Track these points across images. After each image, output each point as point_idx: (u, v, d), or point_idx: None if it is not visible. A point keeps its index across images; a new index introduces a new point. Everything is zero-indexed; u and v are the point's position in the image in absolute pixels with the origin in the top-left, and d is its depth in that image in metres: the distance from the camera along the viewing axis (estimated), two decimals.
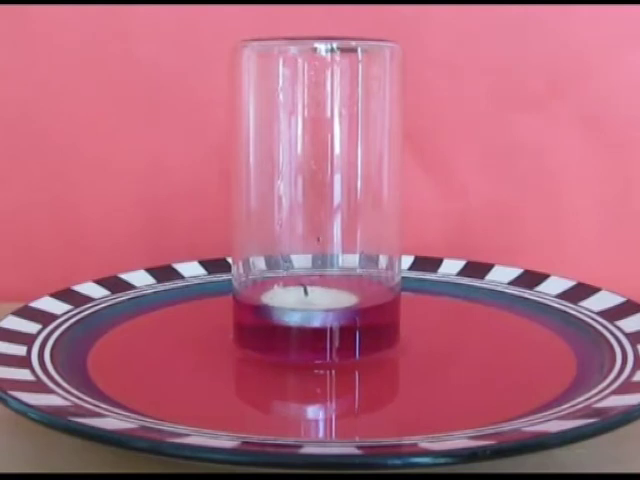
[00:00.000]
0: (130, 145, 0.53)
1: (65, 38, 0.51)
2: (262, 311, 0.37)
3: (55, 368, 0.34)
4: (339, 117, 0.36)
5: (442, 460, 0.25)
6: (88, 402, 0.30)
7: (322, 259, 0.38)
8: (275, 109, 0.36)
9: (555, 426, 0.27)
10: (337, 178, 0.36)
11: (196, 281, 0.46)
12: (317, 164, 0.36)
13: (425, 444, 0.26)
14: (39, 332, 0.37)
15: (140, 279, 0.45)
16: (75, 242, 0.53)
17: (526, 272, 0.45)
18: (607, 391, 0.31)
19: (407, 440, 0.27)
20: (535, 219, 0.53)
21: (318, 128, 0.36)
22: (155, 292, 0.44)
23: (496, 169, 0.53)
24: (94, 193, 0.53)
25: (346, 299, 0.37)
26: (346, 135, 0.36)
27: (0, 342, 0.35)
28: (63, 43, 0.51)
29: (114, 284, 0.43)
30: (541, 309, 0.41)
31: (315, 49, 0.35)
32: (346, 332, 0.36)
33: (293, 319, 0.36)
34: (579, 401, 0.30)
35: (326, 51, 0.35)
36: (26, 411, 0.28)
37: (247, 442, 0.27)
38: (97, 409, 0.29)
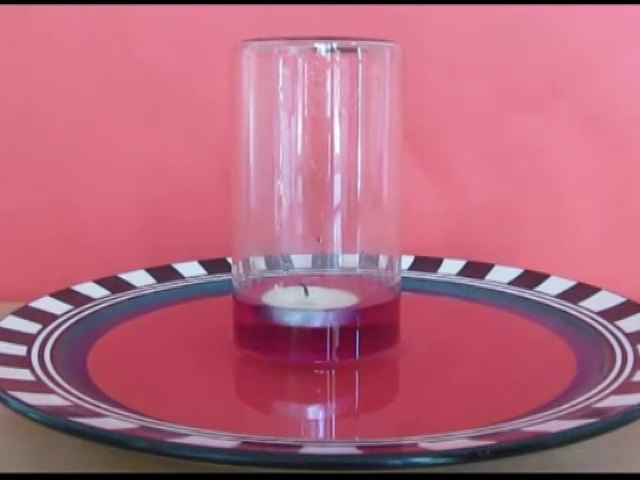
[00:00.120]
0: (130, 145, 0.53)
1: (65, 38, 0.51)
2: (262, 311, 0.37)
3: (55, 368, 0.34)
4: (339, 117, 0.36)
5: (442, 460, 0.25)
6: (88, 402, 0.30)
7: (322, 259, 0.38)
8: (275, 109, 0.36)
9: (555, 426, 0.27)
10: (337, 178, 0.36)
11: (196, 281, 0.46)
12: (317, 164, 0.36)
13: (425, 444, 0.26)
14: (39, 332, 0.37)
15: (140, 279, 0.45)
16: (75, 242, 0.53)
17: (526, 272, 0.45)
18: (607, 391, 0.31)
19: (407, 440, 0.27)
20: (535, 219, 0.53)
21: (318, 128, 0.36)
22: (155, 292, 0.44)
23: (496, 169, 0.53)
24: (94, 193, 0.53)
25: (346, 299, 0.37)
26: (346, 135, 0.36)
27: (0, 342, 0.35)
28: (63, 43, 0.51)
29: (114, 284, 0.43)
30: (541, 309, 0.41)
31: (315, 49, 0.35)
32: (346, 332, 0.36)
33: (293, 319, 0.36)
34: (579, 401, 0.30)
35: (326, 51, 0.35)
36: (26, 411, 0.28)
37: (247, 442, 0.27)
38: (97, 409, 0.29)
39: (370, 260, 0.39)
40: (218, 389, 0.35)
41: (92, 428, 0.27)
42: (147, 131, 0.53)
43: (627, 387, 0.31)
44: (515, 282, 0.44)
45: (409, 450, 0.26)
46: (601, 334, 0.37)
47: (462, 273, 0.46)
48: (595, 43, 0.51)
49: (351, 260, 0.38)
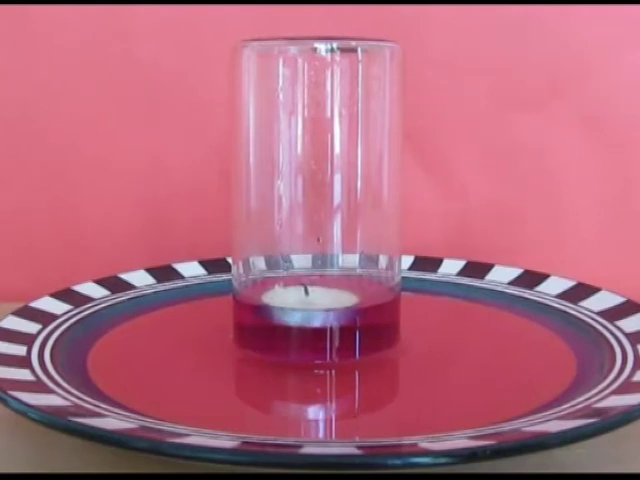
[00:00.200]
0: (130, 145, 0.53)
1: (65, 38, 0.51)
2: (262, 311, 0.37)
3: (55, 368, 0.34)
4: (339, 117, 0.36)
5: (442, 460, 0.25)
6: (88, 402, 0.30)
7: (322, 259, 0.38)
8: (275, 109, 0.36)
9: (555, 426, 0.27)
10: (337, 178, 0.36)
11: (196, 281, 0.46)
12: (317, 164, 0.36)
13: (425, 444, 0.26)
14: (39, 332, 0.37)
15: (140, 279, 0.45)
16: (75, 242, 0.53)
17: (526, 272, 0.45)
18: (607, 391, 0.31)
19: (407, 440, 0.27)
20: (535, 219, 0.53)
21: (318, 128, 0.36)
22: (155, 292, 0.44)
23: (496, 169, 0.53)
24: (94, 193, 0.53)
25: (346, 299, 0.37)
26: (346, 135, 0.36)
27: (0, 342, 0.35)
28: (63, 43, 0.51)
29: (114, 284, 0.43)
30: (541, 309, 0.41)
31: (315, 49, 0.35)
32: (346, 332, 0.36)
33: (293, 319, 0.36)
34: (579, 401, 0.30)
35: (326, 51, 0.35)
36: (26, 411, 0.28)
37: (247, 442, 0.27)
38: (97, 409, 0.29)
39: (370, 260, 0.39)
40: (218, 389, 0.35)
41: (92, 428, 0.27)
42: (147, 131, 0.53)
43: (627, 387, 0.31)
44: (515, 282, 0.44)
45: (409, 450, 0.26)
46: (601, 334, 0.37)
47: (462, 273, 0.46)
48: (595, 43, 0.51)
49: (351, 260, 0.38)
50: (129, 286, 0.44)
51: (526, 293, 0.43)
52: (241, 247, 0.39)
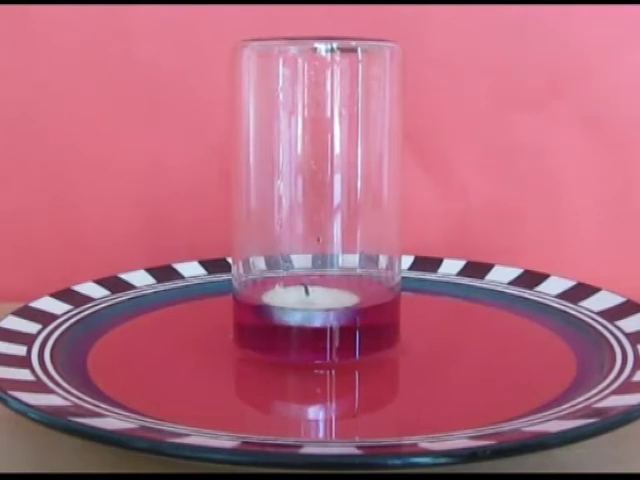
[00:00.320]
0: (130, 145, 0.53)
1: (65, 38, 0.51)
2: (262, 311, 0.37)
3: (55, 368, 0.34)
4: (339, 117, 0.36)
5: (442, 460, 0.25)
6: (88, 402, 0.30)
7: (322, 259, 0.38)
8: (275, 109, 0.36)
9: (555, 426, 0.27)
10: (337, 178, 0.36)
11: (196, 281, 0.46)
12: (317, 164, 0.36)
13: (425, 444, 0.26)
14: (39, 332, 0.37)
15: (140, 279, 0.45)
16: (75, 242, 0.53)
17: (526, 272, 0.45)
18: (607, 391, 0.31)
19: (407, 440, 0.27)
20: (535, 219, 0.53)
21: (318, 128, 0.36)
22: (155, 292, 0.44)
23: (496, 169, 0.53)
24: (94, 193, 0.53)
25: (347, 299, 0.37)
26: (346, 135, 0.36)
27: (0, 342, 0.35)
28: (63, 43, 0.51)
29: (114, 284, 0.43)
30: (541, 309, 0.41)
31: (315, 49, 0.35)
32: (346, 332, 0.36)
33: (294, 319, 0.36)
34: (579, 401, 0.30)
35: (326, 51, 0.35)
36: (26, 411, 0.28)
37: (247, 442, 0.27)
38: (97, 409, 0.29)
39: (370, 260, 0.39)
40: (218, 389, 0.35)
41: (92, 428, 0.27)
42: (147, 131, 0.53)
43: (627, 387, 0.31)
44: (515, 282, 0.44)
45: (409, 450, 0.26)
46: (601, 334, 0.37)
47: (462, 273, 0.46)
48: (595, 43, 0.51)
49: (351, 260, 0.38)
50: (129, 286, 0.44)
51: (526, 293, 0.43)
52: (241, 247, 0.39)
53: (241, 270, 0.38)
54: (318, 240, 0.37)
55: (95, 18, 0.51)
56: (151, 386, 0.34)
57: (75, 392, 0.31)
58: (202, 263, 0.47)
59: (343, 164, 0.36)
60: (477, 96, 0.52)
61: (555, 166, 0.53)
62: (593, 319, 0.39)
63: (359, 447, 0.27)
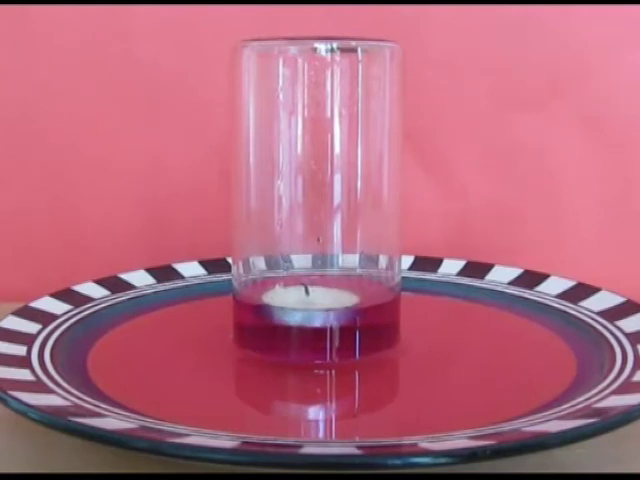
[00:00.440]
0: (130, 145, 0.53)
1: (65, 38, 0.51)
2: (262, 311, 0.37)
3: (55, 368, 0.34)
4: (339, 117, 0.36)
5: (442, 460, 0.25)
6: (88, 402, 0.30)
7: (322, 259, 0.38)
8: (275, 109, 0.36)
9: (555, 426, 0.27)
10: (337, 178, 0.36)
11: (196, 281, 0.46)
12: (317, 164, 0.36)
13: (425, 444, 0.26)
14: (39, 332, 0.37)
15: (140, 279, 0.45)
16: (75, 242, 0.53)
17: (526, 272, 0.45)
18: (607, 391, 0.31)
19: (407, 440, 0.27)
20: (535, 219, 0.53)
21: (318, 128, 0.36)
22: (155, 292, 0.44)
23: (496, 169, 0.53)
24: (94, 193, 0.53)
25: (347, 299, 0.37)
26: (346, 135, 0.36)
27: (0, 342, 0.35)
28: (63, 43, 0.51)
29: (114, 284, 0.43)
30: (541, 309, 0.41)
31: (315, 49, 0.35)
32: (346, 332, 0.36)
33: (294, 319, 0.36)
34: (579, 401, 0.30)
35: (326, 51, 0.35)
36: (26, 411, 0.28)
37: (247, 442, 0.27)
38: (97, 409, 0.29)
39: (370, 260, 0.39)
40: (218, 389, 0.35)
41: (92, 428, 0.27)
42: (147, 131, 0.53)
43: (627, 387, 0.31)
44: (515, 282, 0.44)
45: (409, 450, 0.26)
46: (601, 334, 0.37)
47: (462, 273, 0.46)
48: (595, 43, 0.51)
49: (351, 260, 0.38)
50: (129, 286, 0.44)
51: (526, 293, 0.43)
52: (241, 247, 0.39)
53: (241, 270, 0.38)
54: (318, 240, 0.37)
55: (95, 18, 0.51)
56: (151, 386, 0.34)
57: (75, 392, 0.31)
58: (202, 263, 0.47)
59: (343, 164, 0.36)
60: (477, 96, 0.52)
61: (555, 166, 0.53)
62: (593, 319, 0.39)
63: (359, 447, 0.27)
